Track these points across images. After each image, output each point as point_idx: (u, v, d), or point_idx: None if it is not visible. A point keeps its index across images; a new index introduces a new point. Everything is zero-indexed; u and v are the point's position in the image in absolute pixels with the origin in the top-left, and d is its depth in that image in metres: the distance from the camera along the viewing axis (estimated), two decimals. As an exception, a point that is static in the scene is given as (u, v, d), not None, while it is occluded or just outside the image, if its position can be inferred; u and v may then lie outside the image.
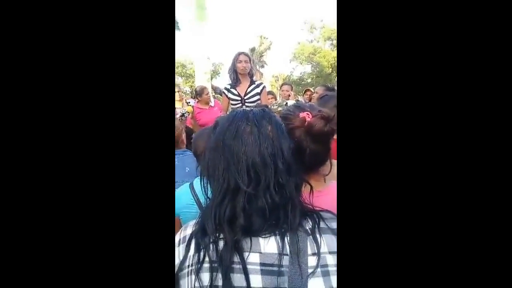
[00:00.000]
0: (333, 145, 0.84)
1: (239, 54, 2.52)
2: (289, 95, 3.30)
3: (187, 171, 1.46)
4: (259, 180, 0.50)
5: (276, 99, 3.44)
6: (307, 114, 0.69)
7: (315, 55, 19.91)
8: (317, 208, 0.56)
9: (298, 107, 0.75)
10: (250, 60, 2.55)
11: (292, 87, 3.87)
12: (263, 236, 0.50)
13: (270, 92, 3.46)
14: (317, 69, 20.18)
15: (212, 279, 0.48)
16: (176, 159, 1.45)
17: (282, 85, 3.71)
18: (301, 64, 22.24)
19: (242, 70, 2.48)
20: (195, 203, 1.03)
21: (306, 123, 0.69)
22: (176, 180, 1.32)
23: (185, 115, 2.65)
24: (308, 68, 22.20)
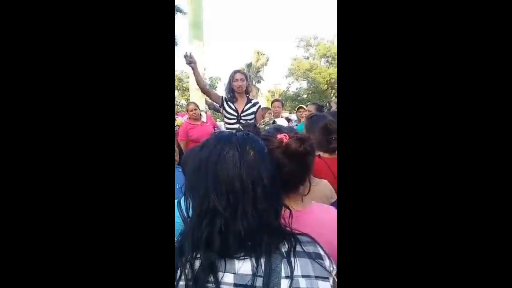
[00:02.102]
0: (315, 165, 0.88)
1: (235, 72, 2.58)
2: (280, 112, 3.36)
3: (177, 187, 1.48)
4: (237, 205, 0.51)
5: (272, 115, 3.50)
6: (284, 135, 0.73)
7: (311, 71, 20.33)
8: (296, 231, 0.57)
9: (278, 129, 0.79)
10: (246, 77, 2.60)
11: (283, 104, 3.94)
12: (239, 258, 0.52)
13: (266, 108, 3.52)
14: (313, 85, 20.55)
15: None
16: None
17: (273, 101, 3.77)
18: (297, 80, 22.65)
19: (238, 89, 2.54)
20: (181, 221, 1.05)
21: (284, 143, 0.73)
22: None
23: (175, 128, 2.68)
24: (304, 84, 22.61)
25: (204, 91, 2.73)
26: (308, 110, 3.01)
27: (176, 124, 2.91)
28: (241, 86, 2.53)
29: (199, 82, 2.59)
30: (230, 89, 2.58)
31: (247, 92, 2.64)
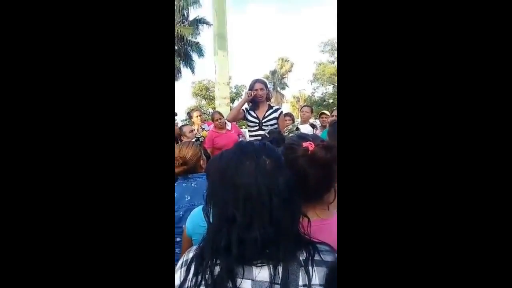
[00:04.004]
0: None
1: (255, 82, 2.61)
2: (309, 117, 3.34)
3: (203, 194, 1.52)
4: (254, 212, 0.52)
5: (293, 121, 3.48)
6: (309, 143, 0.73)
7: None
8: (315, 240, 0.57)
9: (302, 137, 0.79)
10: (265, 85, 2.64)
11: (312, 110, 3.91)
12: (256, 265, 0.52)
13: (288, 114, 3.52)
14: (339, 89, 20.14)
15: None
16: (194, 183, 1.51)
17: (302, 107, 3.76)
18: (323, 85, 22.37)
19: (259, 98, 2.57)
20: (206, 227, 1.08)
21: (309, 152, 0.72)
22: (193, 203, 1.37)
23: (200, 139, 2.78)
24: (330, 89, 22.25)
25: (232, 120, 2.83)
26: (333, 116, 2.95)
27: (202, 135, 3.05)
28: (261, 95, 2.56)
29: (236, 111, 2.69)
30: (251, 98, 2.62)
31: (268, 99, 2.66)
